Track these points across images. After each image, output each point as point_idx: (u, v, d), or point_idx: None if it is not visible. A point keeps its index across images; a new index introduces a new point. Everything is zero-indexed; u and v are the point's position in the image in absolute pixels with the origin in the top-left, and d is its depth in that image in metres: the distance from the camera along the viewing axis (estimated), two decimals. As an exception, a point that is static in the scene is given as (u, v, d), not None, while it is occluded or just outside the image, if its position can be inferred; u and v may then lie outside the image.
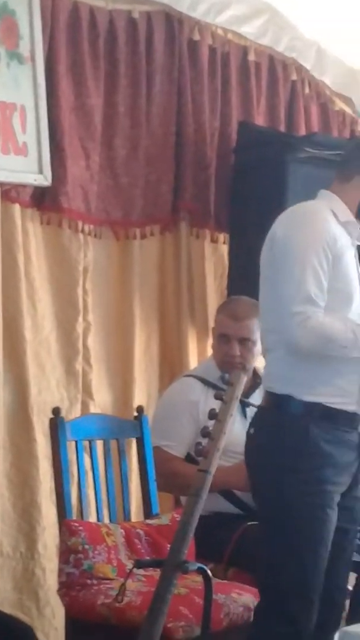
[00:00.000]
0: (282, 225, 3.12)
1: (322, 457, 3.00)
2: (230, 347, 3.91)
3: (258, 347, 3.95)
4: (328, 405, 3.02)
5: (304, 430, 3.01)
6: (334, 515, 3.02)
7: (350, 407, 3.04)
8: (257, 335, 3.91)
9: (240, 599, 3.30)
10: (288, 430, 3.05)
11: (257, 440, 3.11)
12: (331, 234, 3.02)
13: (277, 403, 3.07)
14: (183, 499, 3.87)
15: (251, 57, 4.65)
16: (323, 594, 3.03)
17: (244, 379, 2.86)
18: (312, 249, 2.99)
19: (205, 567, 2.68)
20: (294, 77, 4.82)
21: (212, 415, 2.80)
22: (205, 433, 2.78)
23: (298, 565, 2.98)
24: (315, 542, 2.99)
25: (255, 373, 4.01)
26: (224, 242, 4.61)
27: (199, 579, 3.27)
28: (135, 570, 3.24)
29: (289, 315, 2.98)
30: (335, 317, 3.00)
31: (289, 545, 3.01)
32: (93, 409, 4.11)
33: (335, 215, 3.09)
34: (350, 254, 3.09)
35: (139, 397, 4.24)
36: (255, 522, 3.72)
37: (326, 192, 3.17)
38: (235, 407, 2.83)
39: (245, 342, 3.91)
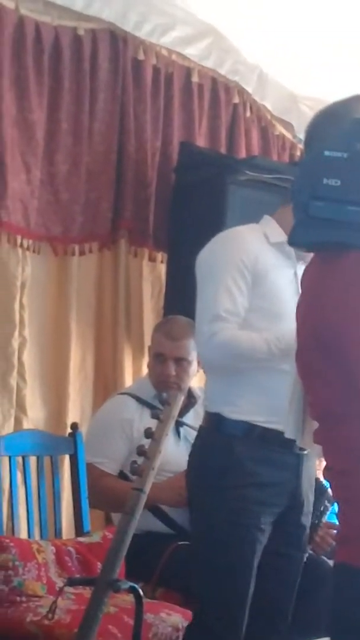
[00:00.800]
0: (203, 250, 3.18)
1: (246, 475, 2.99)
2: (165, 366, 3.93)
3: (194, 367, 3.98)
4: (254, 423, 3.02)
5: (229, 449, 3.01)
6: (261, 535, 3.01)
7: (280, 426, 3.00)
8: (193, 355, 3.93)
9: (169, 619, 3.30)
10: (215, 449, 3.06)
11: (191, 458, 3.13)
12: (250, 254, 3.04)
13: (208, 421, 3.10)
14: (114, 516, 3.87)
15: (194, 78, 4.69)
16: (265, 619, 3.04)
17: (181, 399, 2.87)
18: (226, 269, 3.03)
19: (136, 586, 2.68)
20: (236, 100, 4.87)
21: (148, 434, 2.80)
22: (141, 451, 2.78)
23: (220, 585, 2.98)
24: (238, 562, 2.97)
25: (190, 393, 4.02)
26: (162, 262, 4.63)
27: (129, 598, 3.26)
28: (65, 587, 3.23)
29: (199, 334, 3.06)
30: (250, 332, 3.01)
31: (212, 564, 3.01)
32: (26, 424, 4.09)
33: (266, 237, 3.13)
34: (281, 273, 3.10)
35: (73, 413, 4.23)
36: (185, 542, 3.74)
37: (266, 217, 3.22)
38: (171, 426, 2.84)
39: (180, 361, 3.93)
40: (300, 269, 3.15)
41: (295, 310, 3.03)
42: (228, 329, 2.98)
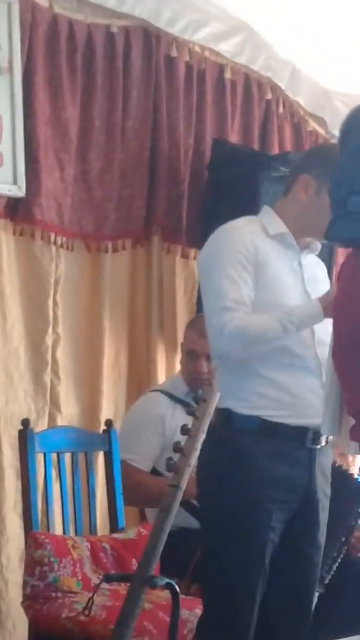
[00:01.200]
0: (204, 248, 3.18)
1: (257, 471, 2.95)
2: (198, 363, 3.93)
3: None
4: (265, 418, 2.98)
5: (239, 445, 2.98)
6: (272, 533, 2.96)
7: (292, 421, 2.99)
8: None
9: (204, 615, 3.29)
10: (225, 445, 3.02)
11: (200, 455, 3.12)
12: (249, 246, 3.03)
13: (219, 417, 3.06)
14: (149, 513, 3.88)
15: (227, 75, 4.68)
16: (285, 620, 3.01)
17: (217, 396, 2.88)
18: (227, 261, 3.01)
19: (173, 582, 2.68)
20: (269, 96, 4.86)
21: (184, 430, 2.81)
22: (177, 448, 2.79)
23: (228, 583, 2.96)
24: (247, 560, 2.95)
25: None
26: (195, 258, 4.62)
27: (164, 594, 3.28)
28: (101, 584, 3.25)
29: (210, 329, 3.02)
30: (257, 315, 2.97)
31: (222, 562, 3.00)
32: (60, 421, 4.10)
33: (265, 229, 3.12)
34: (282, 265, 3.08)
35: (107, 410, 4.24)
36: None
37: (265, 207, 3.20)
38: (207, 423, 2.84)
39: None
40: (306, 258, 3.15)
41: (298, 299, 3.03)
42: (237, 317, 2.95)
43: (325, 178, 2.89)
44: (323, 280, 3.21)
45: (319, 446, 3.03)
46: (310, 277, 3.14)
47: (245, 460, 2.96)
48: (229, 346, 2.97)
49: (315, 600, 3.17)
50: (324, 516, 3.10)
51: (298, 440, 2.99)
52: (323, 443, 3.04)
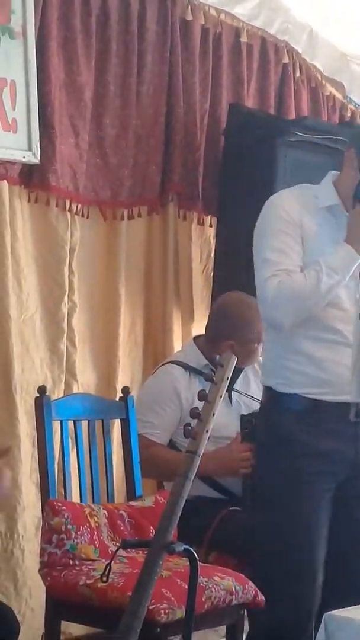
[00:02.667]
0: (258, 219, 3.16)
1: (301, 446, 2.98)
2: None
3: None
4: (306, 396, 3.00)
5: (279, 421, 3.01)
6: (323, 502, 2.99)
7: (333, 397, 3.00)
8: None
9: (222, 582, 3.27)
10: (269, 423, 3.08)
11: (257, 434, 3.15)
12: (295, 214, 3.02)
13: (264, 396, 3.09)
14: (166, 484, 3.85)
15: (243, 38, 4.64)
16: (346, 584, 3.01)
17: (234, 361, 2.84)
18: (274, 228, 3.02)
19: (191, 548, 2.66)
20: (286, 60, 4.81)
21: (202, 396, 2.77)
22: (194, 414, 2.75)
23: (288, 555, 2.99)
24: (301, 531, 2.97)
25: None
26: (210, 225, 4.59)
27: (182, 561, 3.27)
28: (118, 551, 3.23)
29: (259, 300, 3.03)
30: (301, 274, 2.97)
31: (277, 536, 3.03)
32: (76, 389, 4.08)
33: (316, 199, 3.09)
34: (327, 236, 3.06)
35: (123, 378, 4.22)
36: (236, 508, 3.72)
37: (327, 175, 3.17)
38: (225, 388, 2.80)
39: None
40: None
41: None
42: (279, 281, 2.95)
43: None
44: None
45: None
46: None
47: (289, 436, 3.00)
48: (276, 311, 2.98)
49: None
50: None
51: (341, 415, 3.00)
52: None
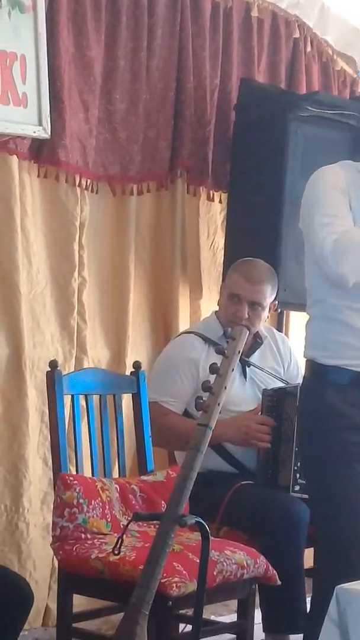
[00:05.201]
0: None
1: (340, 418, 2.96)
2: (239, 308, 3.86)
3: (266, 313, 3.93)
4: (348, 368, 2.97)
5: (322, 394, 2.99)
6: None
7: None
8: (267, 301, 3.89)
9: (233, 556, 3.28)
10: (309, 395, 3.06)
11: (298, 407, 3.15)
12: (342, 185, 2.96)
13: (306, 368, 3.09)
14: (178, 456, 3.85)
15: (254, 13, 4.60)
16: None
17: (246, 334, 2.83)
18: (322, 201, 2.96)
19: (202, 521, 2.66)
20: (296, 34, 4.77)
21: (214, 369, 2.77)
22: (206, 387, 2.76)
23: (335, 529, 2.96)
24: (346, 502, 2.94)
25: (257, 333, 3.98)
26: (220, 201, 4.57)
27: (194, 536, 3.28)
28: (129, 525, 3.23)
29: (320, 263, 2.94)
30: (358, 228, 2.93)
31: (324, 509, 3.01)
32: (87, 364, 4.08)
33: (357, 178, 3.04)
34: None
35: (133, 353, 4.21)
36: (249, 482, 3.73)
37: None
38: (236, 361, 2.80)
39: (255, 306, 3.87)
40: None
41: None
42: (334, 236, 2.89)
43: None
44: None
45: None
46: None
47: (329, 408, 2.97)
48: (340, 265, 2.89)
49: None
50: None
51: None
52: None
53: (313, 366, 3.05)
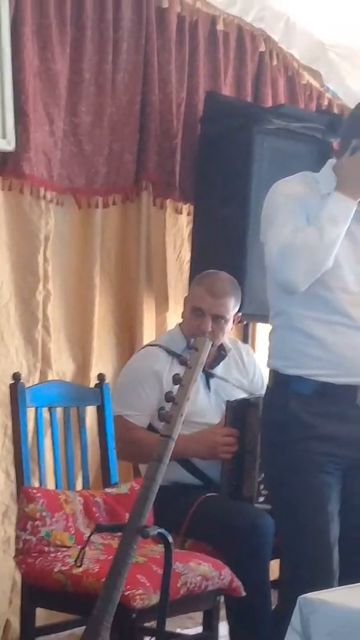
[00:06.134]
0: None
1: (304, 429, 2.96)
2: (203, 321, 3.86)
3: (229, 325, 3.93)
4: (312, 378, 2.98)
5: (284, 404, 2.99)
6: (330, 478, 2.97)
7: (339, 380, 2.97)
8: (231, 314, 3.89)
9: (198, 568, 3.27)
10: (273, 405, 3.06)
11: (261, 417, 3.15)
12: (299, 196, 2.98)
13: (269, 378, 3.10)
14: (142, 468, 3.84)
15: (219, 26, 4.62)
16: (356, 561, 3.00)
17: (209, 345, 2.83)
18: (282, 206, 2.98)
19: (165, 532, 2.65)
20: (262, 48, 4.79)
21: (176, 380, 2.76)
22: (169, 398, 2.75)
23: (300, 535, 2.97)
24: (311, 511, 2.95)
25: (220, 345, 3.98)
26: (189, 214, 4.57)
27: (157, 548, 3.26)
28: (93, 538, 3.21)
29: (269, 265, 2.97)
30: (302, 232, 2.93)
31: (289, 519, 3.01)
32: (52, 377, 4.05)
33: (319, 186, 3.05)
34: None
35: (98, 366, 4.19)
36: (213, 494, 3.72)
37: (327, 163, 3.12)
38: (200, 372, 2.79)
39: (218, 319, 3.87)
40: None
41: (350, 256, 2.97)
42: (288, 240, 2.91)
43: None
44: None
45: None
46: None
47: (292, 418, 2.98)
48: (285, 270, 2.91)
49: None
50: None
51: (347, 399, 2.98)
52: None
53: (276, 376, 3.05)
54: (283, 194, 3.01)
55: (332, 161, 3.12)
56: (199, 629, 3.51)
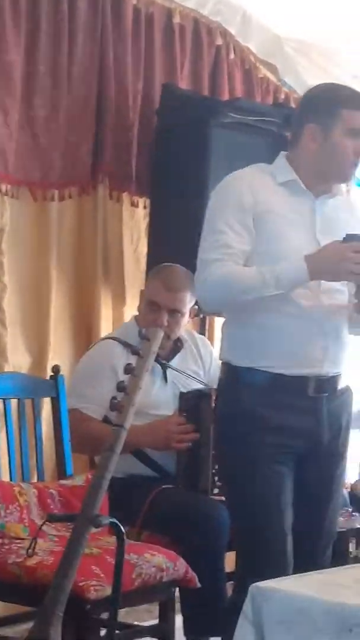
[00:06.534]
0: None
1: (255, 421, 2.96)
2: (158, 315, 3.86)
3: (186, 319, 3.93)
4: (264, 370, 2.98)
5: (237, 397, 3.00)
6: (283, 467, 2.98)
7: (292, 371, 2.98)
8: (187, 308, 3.89)
9: (153, 559, 3.26)
10: (225, 398, 3.07)
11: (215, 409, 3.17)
12: (248, 198, 2.99)
13: (222, 371, 3.10)
14: (98, 460, 3.82)
15: (176, 19, 4.61)
16: (304, 555, 3.01)
17: (161, 335, 2.82)
18: (222, 213, 2.99)
19: (117, 521, 2.64)
20: (219, 41, 4.79)
21: (128, 369, 2.76)
22: (120, 387, 2.74)
23: (253, 529, 2.99)
24: (264, 502, 2.96)
25: (177, 338, 3.97)
26: (144, 207, 4.56)
27: (113, 540, 3.23)
28: (47, 529, 3.21)
29: (197, 279, 3.02)
30: (244, 267, 2.96)
31: (243, 509, 3.03)
32: (8, 370, 4.03)
33: (274, 177, 3.07)
34: (289, 213, 3.03)
35: (54, 360, 4.15)
36: (169, 485, 3.71)
37: (280, 155, 3.13)
38: (151, 361, 2.79)
39: (174, 313, 3.87)
40: (326, 203, 3.08)
41: (303, 248, 2.98)
42: (222, 267, 2.93)
43: (329, 119, 2.96)
44: (346, 222, 3.10)
45: (324, 395, 3.01)
46: (327, 222, 3.07)
47: (244, 411, 2.98)
48: (208, 294, 2.98)
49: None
50: (333, 462, 3.10)
51: (299, 390, 2.98)
52: (329, 392, 3.02)
53: (228, 368, 3.05)
54: (229, 196, 3.01)
55: (284, 153, 3.13)
56: (155, 622, 3.50)
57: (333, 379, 3.05)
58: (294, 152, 3.10)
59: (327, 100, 3.03)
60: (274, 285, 2.90)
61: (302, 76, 5.04)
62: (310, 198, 3.07)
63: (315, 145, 3.04)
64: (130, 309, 4.44)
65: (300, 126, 3.07)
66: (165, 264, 4.00)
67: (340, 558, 3.32)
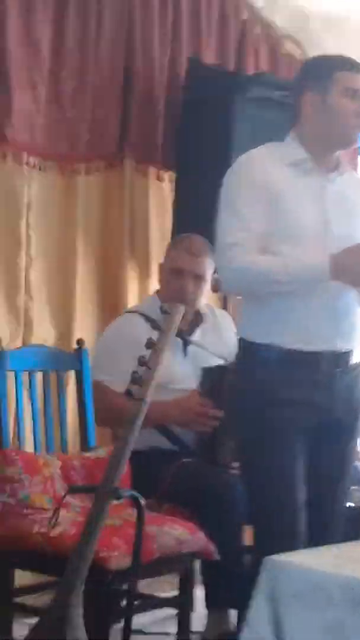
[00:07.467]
0: (224, 178, 3.13)
1: (267, 395, 3.00)
2: (184, 282, 3.88)
3: (208, 287, 3.96)
4: (279, 345, 3.00)
5: (252, 371, 3.03)
6: (296, 441, 3.01)
7: (305, 347, 3.01)
8: (209, 274, 3.91)
9: (173, 531, 3.31)
10: (241, 372, 3.10)
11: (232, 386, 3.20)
12: (261, 179, 3.00)
13: (239, 347, 3.13)
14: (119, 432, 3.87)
15: (202, -7, 4.62)
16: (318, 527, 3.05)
17: (182, 310, 2.86)
18: (238, 194, 3.01)
19: (137, 494, 2.69)
20: (245, 16, 4.79)
21: (149, 344, 2.80)
22: (142, 362, 2.78)
23: (270, 499, 3.02)
24: (279, 475, 3.00)
25: (197, 312, 4.00)
26: (170, 181, 4.58)
27: (134, 511, 3.28)
28: (71, 500, 3.26)
29: (219, 263, 3.06)
30: (269, 257, 2.99)
31: (258, 484, 3.06)
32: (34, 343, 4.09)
33: (283, 157, 3.08)
34: (300, 192, 3.04)
35: (80, 332, 4.20)
36: (190, 459, 3.76)
37: (289, 133, 3.14)
38: (173, 336, 2.83)
39: (198, 278, 3.90)
40: (335, 180, 3.10)
41: (314, 227, 3.00)
42: (245, 254, 2.96)
43: (324, 84, 3.00)
44: (355, 199, 3.12)
45: (338, 370, 3.04)
46: (337, 200, 3.08)
47: (257, 386, 3.02)
48: (233, 280, 3.02)
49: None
50: (347, 437, 3.14)
51: (313, 365, 3.02)
52: (342, 367, 3.05)
53: (244, 344, 3.08)
54: (244, 178, 3.03)
55: (293, 129, 3.13)
56: (175, 593, 3.56)
57: (346, 354, 3.07)
58: (299, 128, 3.12)
59: (320, 67, 3.09)
60: (296, 281, 2.96)
61: (327, 52, 5.00)
62: (320, 176, 3.08)
63: (316, 112, 3.05)
64: (156, 283, 4.47)
65: (298, 98, 3.10)
66: (187, 234, 4.04)
67: (355, 533, 3.34)
